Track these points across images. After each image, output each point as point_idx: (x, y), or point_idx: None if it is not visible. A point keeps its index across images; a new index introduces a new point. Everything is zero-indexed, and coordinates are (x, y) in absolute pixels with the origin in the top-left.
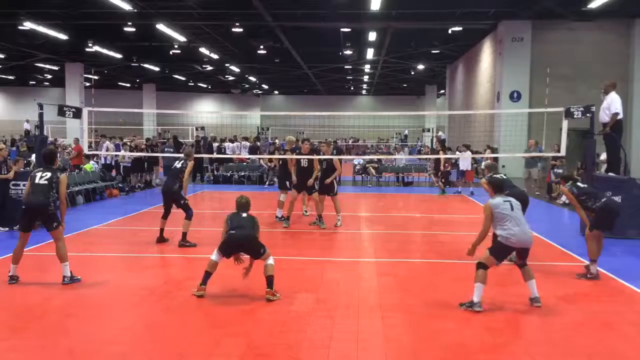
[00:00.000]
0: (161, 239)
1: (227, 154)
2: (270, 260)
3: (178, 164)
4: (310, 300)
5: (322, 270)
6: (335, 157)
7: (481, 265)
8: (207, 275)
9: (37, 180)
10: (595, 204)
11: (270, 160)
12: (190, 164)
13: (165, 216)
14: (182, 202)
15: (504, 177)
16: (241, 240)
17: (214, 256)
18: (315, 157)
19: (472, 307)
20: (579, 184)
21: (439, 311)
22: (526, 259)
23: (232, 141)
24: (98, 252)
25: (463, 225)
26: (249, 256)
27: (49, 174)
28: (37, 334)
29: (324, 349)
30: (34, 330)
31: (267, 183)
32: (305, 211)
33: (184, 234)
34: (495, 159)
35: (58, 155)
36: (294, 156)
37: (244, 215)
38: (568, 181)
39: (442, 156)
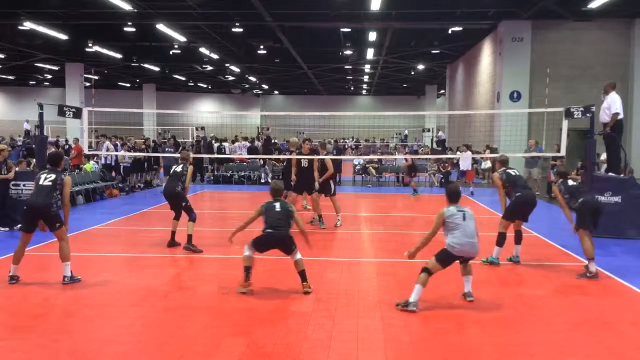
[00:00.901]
0: (172, 243)
1: (226, 154)
2: (299, 255)
3: (178, 168)
4: (310, 300)
5: (322, 270)
6: (328, 157)
7: (425, 270)
8: (248, 269)
9: (41, 182)
10: (576, 203)
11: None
12: (190, 167)
13: (177, 217)
14: (184, 204)
15: (517, 173)
16: (278, 240)
17: (247, 251)
18: (315, 157)
19: (407, 307)
20: (569, 182)
21: (439, 311)
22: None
23: (233, 142)
24: (98, 252)
25: None
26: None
27: (53, 176)
28: (37, 334)
29: (324, 349)
30: (34, 330)
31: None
32: (306, 205)
33: (189, 237)
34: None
35: (64, 157)
36: (294, 156)
37: (278, 209)
38: (561, 178)
39: (400, 156)
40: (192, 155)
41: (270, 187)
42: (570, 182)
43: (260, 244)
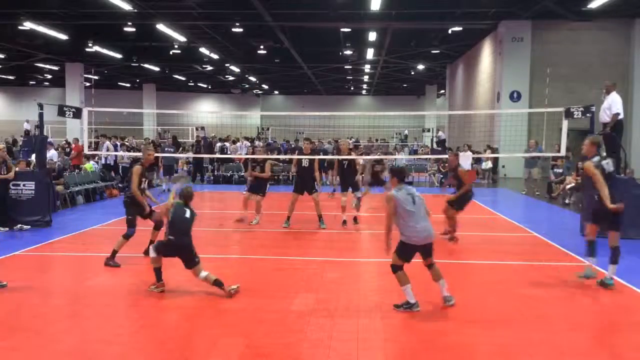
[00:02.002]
0: (147, 251)
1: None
2: (204, 274)
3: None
4: (310, 300)
5: (322, 270)
6: (316, 157)
7: (394, 267)
8: (157, 270)
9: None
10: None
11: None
12: (135, 168)
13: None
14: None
15: (610, 162)
16: (179, 248)
17: (152, 253)
18: (316, 156)
19: (411, 309)
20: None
21: (439, 311)
22: (432, 257)
23: (234, 142)
24: (98, 252)
25: (463, 226)
26: None
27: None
28: (37, 334)
29: (324, 349)
30: (34, 330)
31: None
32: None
33: (114, 252)
34: (495, 159)
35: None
36: (295, 156)
37: (187, 215)
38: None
39: (355, 157)
40: (149, 153)
41: (182, 193)
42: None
43: (166, 250)
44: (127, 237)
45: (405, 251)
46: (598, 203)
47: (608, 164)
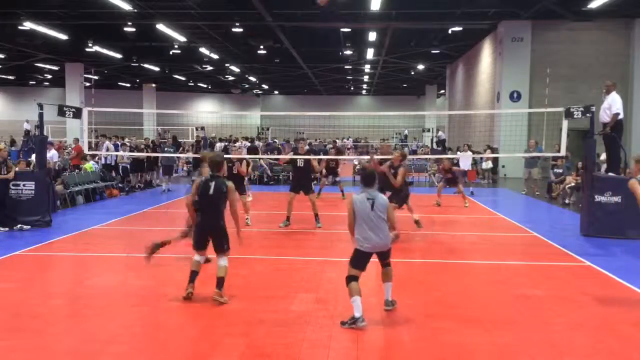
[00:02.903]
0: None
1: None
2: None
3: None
4: (310, 300)
5: (322, 270)
6: (313, 157)
7: (350, 278)
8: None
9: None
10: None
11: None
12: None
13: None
14: None
15: None
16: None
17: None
18: (313, 157)
19: (355, 324)
20: None
21: (439, 311)
22: (389, 260)
23: (234, 142)
24: (98, 252)
25: (463, 226)
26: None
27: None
28: (37, 334)
29: (324, 349)
30: (34, 330)
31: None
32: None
33: None
34: (496, 159)
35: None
36: (295, 156)
37: (211, 191)
38: None
39: (335, 157)
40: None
41: (209, 162)
42: None
43: (195, 238)
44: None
45: (358, 259)
46: None
47: None
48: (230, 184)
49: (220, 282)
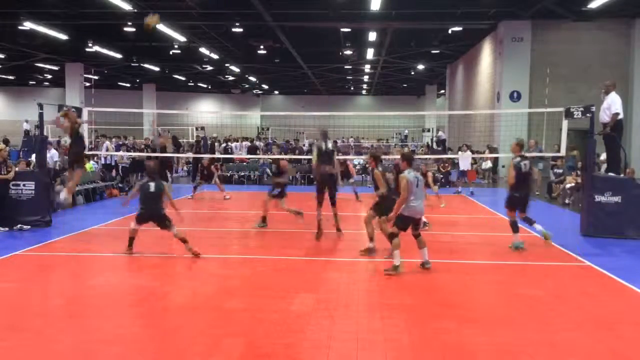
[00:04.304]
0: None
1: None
2: (175, 229)
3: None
4: (310, 300)
5: (322, 270)
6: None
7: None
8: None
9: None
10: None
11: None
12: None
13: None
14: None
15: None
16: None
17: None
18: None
19: (396, 270)
20: None
21: (439, 311)
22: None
23: (236, 141)
24: (98, 252)
25: (463, 225)
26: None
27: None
28: (37, 334)
29: (324, 349)
30: (34, 330)
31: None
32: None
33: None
34: (495, 159)
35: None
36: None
37: (152, 189)
38: None
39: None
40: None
41: (146, 169)
42: None
43: (141, 219)
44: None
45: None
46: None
47: (525, 165)
48: (166, 184)
49: (184, 240)
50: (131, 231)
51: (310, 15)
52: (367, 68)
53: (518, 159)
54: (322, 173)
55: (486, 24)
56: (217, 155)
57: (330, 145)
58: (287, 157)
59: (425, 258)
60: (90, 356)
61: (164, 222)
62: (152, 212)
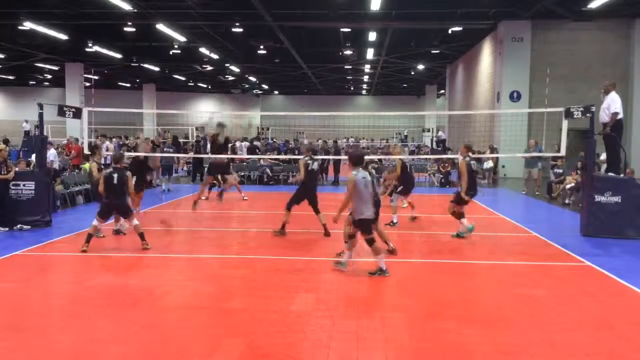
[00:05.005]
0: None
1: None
2: (136, 221)
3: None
4: (310, 300)
5: (322, 270)
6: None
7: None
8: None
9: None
10: None
11: None
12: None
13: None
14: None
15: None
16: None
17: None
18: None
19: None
20: None
21: (439, 311)
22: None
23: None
24: (98, 252)
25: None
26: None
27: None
28: (37, 334)
29: (324, 349)
30: (34, 330)
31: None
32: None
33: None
34: (496, 159)
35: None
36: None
37: (115, 180)
38: None
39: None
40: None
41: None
42: None
43: (105, 212)
44: None
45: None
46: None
47: (474, 164)
48: (128, 173)
49: (141, 236)
50: (93, 228)
51: (310, 15)
52: (367, 68)
53: (468, 158)
54: (306, 190)
55: (486, 24)
56: (232, 155)
57: (316, 165)
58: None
59: (349, 258)
60: (90, 356)
61: (126, 213)
62: (116, 202)
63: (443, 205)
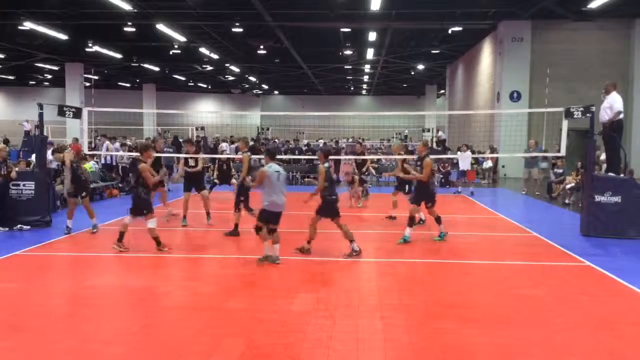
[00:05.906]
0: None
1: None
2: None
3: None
4: (310, 300)
5: (322, 270)
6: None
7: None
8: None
9: None
10: None
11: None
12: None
13: None
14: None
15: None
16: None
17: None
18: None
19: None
20: None
21: (439, 311)
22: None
23: (232, 142)
24: (98, 252)
25: (463, 226)
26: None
27: None
28: (37, 334)
29: (324, 349)
30: (34, 330)
31: None
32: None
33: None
34: (496, 159)
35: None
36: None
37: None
38: None
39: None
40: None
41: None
42: None
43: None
44: None
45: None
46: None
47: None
48: (142, 165)
49: (156, 240)
50: (124, 226)
51: (310, 15)
52: (367, 68)
53: (430, 156)
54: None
55: (486, 24)
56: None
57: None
58: (287, 157)
59: (276, 254)
60: (90, 356)
61: (139, 208)
62: (147, 197)
63: (443, 205)
